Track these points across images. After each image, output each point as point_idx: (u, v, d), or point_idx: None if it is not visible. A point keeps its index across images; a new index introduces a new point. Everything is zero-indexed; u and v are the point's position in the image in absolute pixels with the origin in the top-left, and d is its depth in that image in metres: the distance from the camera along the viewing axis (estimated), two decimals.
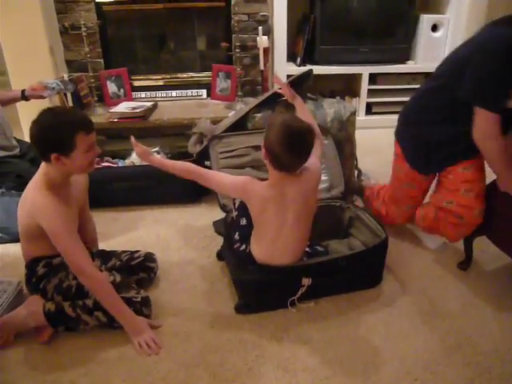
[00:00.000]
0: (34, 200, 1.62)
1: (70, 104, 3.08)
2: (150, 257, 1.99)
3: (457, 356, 1.63)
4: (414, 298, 1.90)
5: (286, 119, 1.62)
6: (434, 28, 3.62)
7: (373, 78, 3.70)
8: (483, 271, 2.08)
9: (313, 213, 1.77)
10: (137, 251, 1.99)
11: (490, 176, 1.96)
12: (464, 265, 2.08)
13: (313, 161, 1.72)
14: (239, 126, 2.34)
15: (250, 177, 1.73)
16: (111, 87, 3.36)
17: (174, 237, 2.35)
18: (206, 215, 2.49)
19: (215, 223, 2.12)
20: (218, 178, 1.77)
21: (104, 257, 1.94)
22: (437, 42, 3.65)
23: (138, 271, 1.93)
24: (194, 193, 2.67)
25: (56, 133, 1.55)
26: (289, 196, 1.68)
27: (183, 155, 2.80)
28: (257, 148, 2.21)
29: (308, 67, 3.44)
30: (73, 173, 1.69)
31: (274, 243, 1.73)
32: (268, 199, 1.67)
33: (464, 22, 3.49)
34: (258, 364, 1.60)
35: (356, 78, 3.73)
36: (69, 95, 3.06)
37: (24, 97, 2.56)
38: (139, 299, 1.74)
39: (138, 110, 3.05)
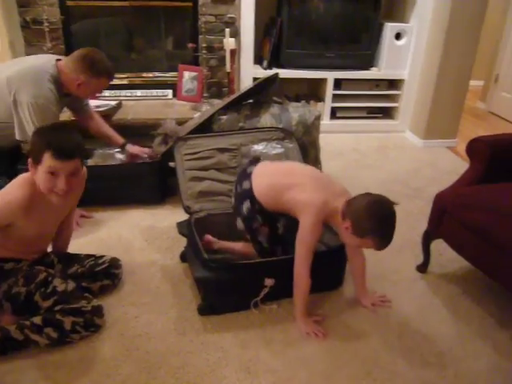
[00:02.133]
0: (7, 188, 1.61)
1: None
2: (115, 263, 1.95)
3: (414, 356, 1.68)
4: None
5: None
6: (398, 36, 3.71)
7: (337, 83, 3.76)
8: (441, 274, 2.15)
9: None
10: (102, 256, 1.94)
11: (460, 169, 2.03)
12: (422, 267, 2.14)
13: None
14: (205, 127, 2.33)
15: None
16: None
17: (137, 238, 2.32)
18: (170, 216, 2.47)
19: (179, 224, 2.11)
20: None
21: (67, 262, 1.89)
22: (400, 50, 3.74)
23: (102, 278, 1.89)
24: (158, 193, 2.64)
25: (36, 139, 1.57)
26: None
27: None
28: (222, 150, 2.22)
29: (274, 70, 3.48)
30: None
31: None
32: None
33: (427, 30, 3.59)
34: (221, 366, 1.60)
35: (321, 82, 3.78)
36: None
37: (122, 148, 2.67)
38: (89, 308, 1.67)
39: (101, 109, 2.99)
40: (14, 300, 1.68)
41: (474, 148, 2.01)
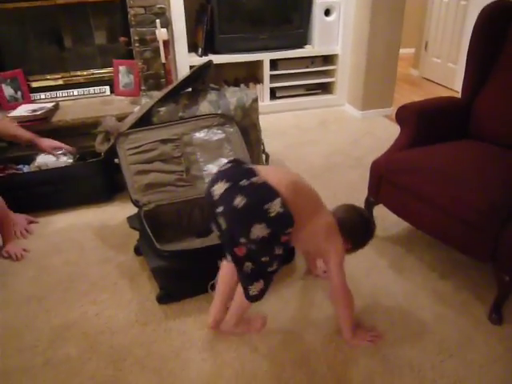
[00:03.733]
0: None
1: None
2: None
3: (364, 316, 1.80)
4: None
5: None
6: (327, 12, 3.80)
7: (274, 64, 3.83)
8: (385, 236, 2.28)
9: None
10: None
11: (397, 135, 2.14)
12: None
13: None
14: (144, 121, 2.34)
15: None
16: (7, 90, 3.20)
17: (89, 238, 2.33)
18: (120, 213, 2.48)
19: (129, 218, 2.13)
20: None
21: None
22: (331, 26, 3.83)
23: None
24: (105, 191, 2.65)
25: None
26: None
27: (90, 154, 2.77)
28: (164, 141, 2.24)
29: (210, 57, 3.51)
30: None
31: None
32: None
33: (353, 4, 3.70)
34: (185, 349, 1.66)
35: (258, 64, 3.84)
36: None
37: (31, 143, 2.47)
38: None
39: (38, 113, 2.94)
40: None
41: (402, 115, 2.14)
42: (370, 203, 2.21)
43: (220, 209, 1.37)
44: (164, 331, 1.75)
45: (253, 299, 1.52)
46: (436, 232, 1.92)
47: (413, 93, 4.57)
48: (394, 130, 3.50)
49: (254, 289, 1.48)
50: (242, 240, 1.37)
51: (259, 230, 1.32)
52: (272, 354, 1.63)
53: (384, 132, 3.55)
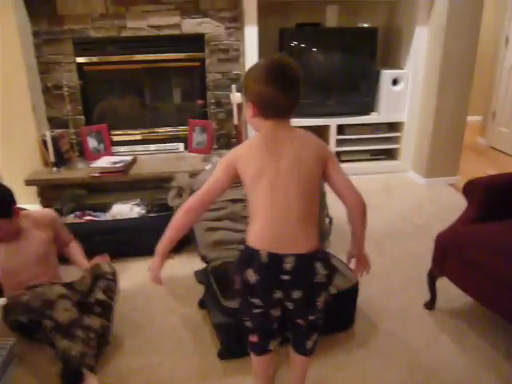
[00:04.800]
0: None
1: (52, 159, 3.20)
2: (95, 269, 2.11)
3: None
4: (385, 338, 2.04)
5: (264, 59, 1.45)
6: (395, 82, 3.92)
7: (340, 129, 3.95)
8: (447, 310, 2.24)
9: (317, 194, 1.46)
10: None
11: (462, 205, 2.15)
12: (429, 305, 2.24)
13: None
14: None
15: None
16: (91, 142, 3.49)
17: (156, 287, 2.42)
18: (187, 265, 2.59)
19: (196, 273, 2.23)
20: (207, 186, 1.52)
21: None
22: (397, 95, 3.93)
23: (94, 287, 2.03)
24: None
25: None
26: (284, 152, 1.40)
27: (162, 207, 2.94)
28: (234, 201, 2.36)
29: None
30: None
31: (271, 221, 1.40)
32: (259, 155, 1.41)
33: (421, 75, 3.80)
34: None
35: (325, 129, 3.97)
36: (50, 151, 3.18)
37: None
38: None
39: (118, 165, 3.18)
40: None
41: (470, 189, 2.15)
42: (433, 275, 2.20)
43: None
44: None
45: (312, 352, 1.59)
46: (504, 311, 1.88)
47: (479, 162, 4.52)
48: (459, 200, 3.47)
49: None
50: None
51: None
52: None
53: (448, 201, 3.52)
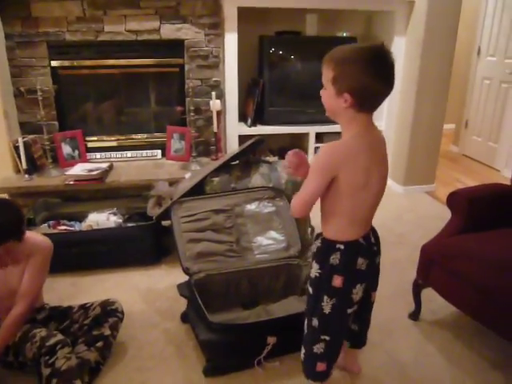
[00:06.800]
0: None
1: (24, 166, 3.08)
2: (106, 302, 2.02)
3: None
4: (372, 350, 2.01)
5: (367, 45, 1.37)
6: None
7: (319, 136, 3.94)
8: (432, 320, 2.25)
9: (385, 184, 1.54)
10: (91, 304, 2.01)
11: (440, 213, 2.15)
12: (414, 316, 2.24)
13: None
14: (197, 189, 2.43)
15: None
16: (66, 149, 3.38)
17: (136, 301, 2.37)
18: (167, 277, 2.53)
19: (179, 286, 2.17)
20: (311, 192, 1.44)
21: (58, 318, 1.97)
22: None
23: (103, 321, 1.94)
24: (153, 254, 2.71)
25: None
26: (374, 146, 1.40)
27: (140, 216, 2.87)
28: (217, 211, 2.31)
29: (258, 127, 3.66)
30: None
31: (360, 219, 1.48)
32: (362, 166, 1.38)
33: (399, 85, 3.83)
34: None
35: (303, 136, 3.96)
36: (23, 158, 3.07)
37: None
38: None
39: (94, 173, 3.09)
40: None
41: (454, 200, 2.16)
42: (418, 286, 2.20)
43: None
44: None
45: None
46: (488, 321, 1.89)
47: (453, 170, 4.60)
48: (437, 208, 3.54)
49: None
50: None
51: None
52: None
53: (426, 209, 3.56)
